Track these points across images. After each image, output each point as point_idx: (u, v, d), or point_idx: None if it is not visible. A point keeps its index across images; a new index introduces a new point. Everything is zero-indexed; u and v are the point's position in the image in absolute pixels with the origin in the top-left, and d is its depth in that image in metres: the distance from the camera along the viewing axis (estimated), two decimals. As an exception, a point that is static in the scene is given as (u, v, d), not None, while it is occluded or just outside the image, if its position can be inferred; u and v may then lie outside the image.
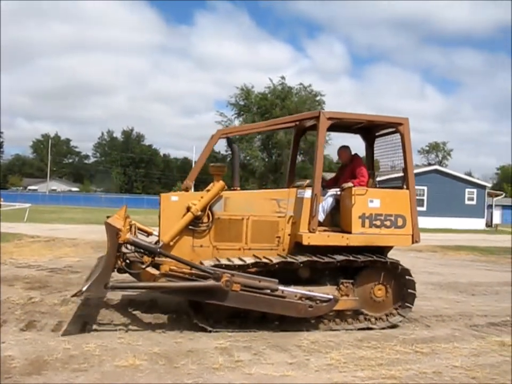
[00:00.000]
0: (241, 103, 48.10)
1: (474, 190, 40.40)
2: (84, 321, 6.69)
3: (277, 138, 45.22)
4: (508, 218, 59.87)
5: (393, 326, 6.99)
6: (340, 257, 6.73)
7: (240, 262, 6.56)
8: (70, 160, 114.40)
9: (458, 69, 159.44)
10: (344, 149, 8.20)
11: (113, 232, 6.00)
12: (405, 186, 7.45)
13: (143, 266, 6.32)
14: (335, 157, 76.73)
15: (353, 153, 8.18)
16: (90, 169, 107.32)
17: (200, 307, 6.46)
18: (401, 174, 7.60)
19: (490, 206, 45.37)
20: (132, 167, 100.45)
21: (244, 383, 4.73)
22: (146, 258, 6.30)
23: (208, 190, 7.17)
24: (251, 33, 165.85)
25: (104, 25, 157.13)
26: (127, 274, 6.67)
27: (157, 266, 6.45)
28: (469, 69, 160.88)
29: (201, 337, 6.21)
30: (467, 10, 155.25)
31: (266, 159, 48.17)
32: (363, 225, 7.01)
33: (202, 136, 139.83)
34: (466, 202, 39.76)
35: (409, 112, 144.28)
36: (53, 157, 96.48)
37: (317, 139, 7.16)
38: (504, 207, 61.33)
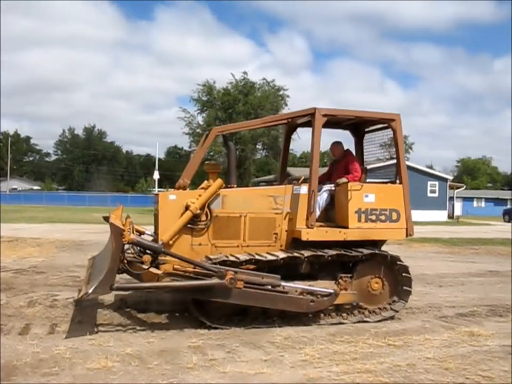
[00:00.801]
0: (204, 98, 47.79)
1: (436, 183, 41.10)
2: (52, 323, 6.54)
3: (240, 134, 45.10)
4: (468, 210, 61.21)
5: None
6: (366, 251, 6.93)
7: (262, 258, 6.64)
8: (31, 158, 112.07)
9: (418, 64, 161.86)
10: (337, 145, 8.28)
11: (118, 232, 5.93)
12: (398, 181, 7.60)
13: (145, 266, 6.24)
14: (298, 152, 77.11)
15: (345, 148, 8.29)
16: (51, 167, 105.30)
17: (202, 305, 6.49)
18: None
19: (451, 198, 46.20)
20: (94, 164, 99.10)
21: (219, 382, 4.67)
22: (147, 258, 6.24)
23: (202, 188, 7.15)
24: (212, 28, 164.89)
25: (64, 20, 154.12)
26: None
27: (156, 265, 6.38)
28: (428, 64, 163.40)
29: (173, 336, 6.14)
30: (426, 6, 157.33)
31: (230, 155, 48.01)
32: (359, 220, 7.13)
33: (164, 133, 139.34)
34: (429, 194, 40.40)
35: (370, 106, 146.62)
36: (13, 155, 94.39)
37: (312, 136, 7.19)
38: (464, 199, 62.69)
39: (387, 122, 7.62)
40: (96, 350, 5.43)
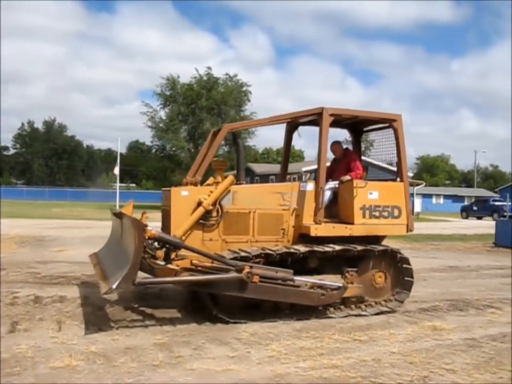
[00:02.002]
0: (167, 93, 47.44)
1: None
2: (13, 321, 6.35)
3: (203, 129, 44.93)
4: (427, 207, 62.25)
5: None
6: (380, 248, 7.33)
7: (295, 251, 6.87)
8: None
9: (378, 62, 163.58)
10: (337, 144, 8.53)
11: (140, 228, 5.93)
12: (398, 179, 7.95)
13: (159, 261, 6.27)
14: (260, 148, 76.96)
15: (344, 147, 8.60)
16: (10, 161, 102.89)
17: (217, 299, 6.64)
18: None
19: (411, 195, 46.86)
20: (55, 158, 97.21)
21: (187, 379, 4.63)
22: (160, 253, 6.25)
23: (208, 184, 7.36)
24: (174, 22, 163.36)
25: (21, 11, 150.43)
26: None
27: (167, 260, 6.39)
28: (388, 62, 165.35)
29: (138, 333, 6.06)
30: (387, 5, 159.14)
31: (193, 150, 47.77)
32: (364, 216, 7.38)
33: (126, 127, 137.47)
34: (390, 191, 40.75)
35: (332, 103, 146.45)
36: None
37: (320, 134, 7.46)
38: (424, 195, 63.68)
39: (389, 122, 7.91)
40: (60, 348, 5.31)
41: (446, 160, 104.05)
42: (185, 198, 6.99)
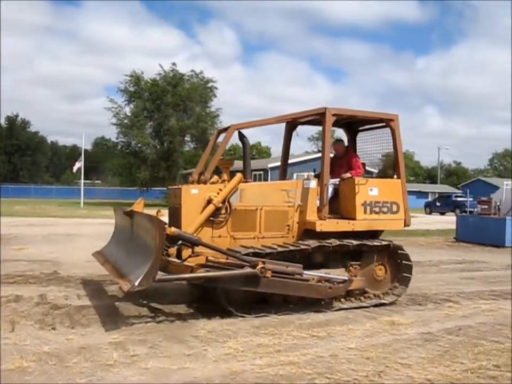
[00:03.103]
0: (132, 89, 46.98)
1: (363, 176, 41.88)
2: (-37, 322, 6.19)
3: (168, 125, 44.65)
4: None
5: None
6: (383, 242, 7.73)
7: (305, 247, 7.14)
8: None
9: (345, 59, 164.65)
10: (339, 143, 8.95)
11: (161, 226, 6.05)
12: (395, 176, 8.28)
13: (172, 258, 6.44)
14: (227, 145, 77.18)
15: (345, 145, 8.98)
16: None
17: (229, 294, 6.83)
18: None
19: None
20: (18, 155, 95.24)
21: (140, 378, 4.56)
22: (172, 251, 6.42)
23: (212, 183, 7.56)
24: (141, 17, 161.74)
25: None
26: None
27: (179, 256, 6.55)
28: (355, 59, 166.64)
29: (94, 332, 5.95)
30: (356, 3, 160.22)
31: (158, 146, 47.44)
32: (365, 212, 7.72)
33: (91, 123, 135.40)
34: (356, 187, 41.12)
35: (299, 99, 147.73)
36: None
37: (323, 133, 7.85)
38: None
39: (386, 122, 8.27)
40: (11, 350, 5.16)
41: (410, 156, 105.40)
42: (195, 196, 7.15)
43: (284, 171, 9.55)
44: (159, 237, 5.97)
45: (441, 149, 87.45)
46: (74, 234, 18.05)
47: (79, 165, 43.50)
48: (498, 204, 19.59)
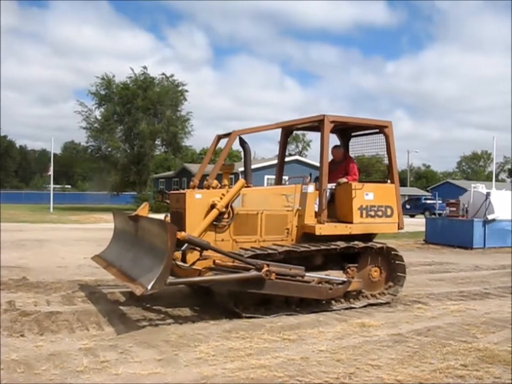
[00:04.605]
0: (102, 92, 46.59)
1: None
2: None
3: (139, 129, 44.38)
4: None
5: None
6: (379, 244, 8.04)
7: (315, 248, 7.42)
8: None
9: (316, 63, 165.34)
10: (338, 148, 9.13)
11: (173, 231, 6.12)
12: (389, 181, 8.54)
13: (178, 262, 6.57)
14: (197, 148, 76.59)
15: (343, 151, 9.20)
16: None
17: (233, 297, 6.99)
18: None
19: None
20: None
21: (111, 384, 4.52)
22: (178, 255, 6.56)
23: (213, 188, 7.65)
24: (110, 19, 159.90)
25: None
26: None
27: (183, 260, 6.75)
28: (325, 63, 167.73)
29: (63, 338, 5.87)
30: (324, 7, 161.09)
31: (129, 150, 47.10)
32: (361, 216, 7.96)
33: (61, 127, 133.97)
34: (327, 190, 41.38)
35: (270, 103, 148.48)
36: None
37: (321, 140, 8.02)
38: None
39: (380, 128, 8.53)
40: (-22, 358, 5.09)
41: (380, 159, 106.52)
42: (199, 201, 7.29)
43: (279, 176, 9.67)
44: (170, 241, 6.06)
45: (411, 152, 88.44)
46: (43, 239, 17.80)
47: (51, 169, 43.01)
48: (466, 206, 19.91)
